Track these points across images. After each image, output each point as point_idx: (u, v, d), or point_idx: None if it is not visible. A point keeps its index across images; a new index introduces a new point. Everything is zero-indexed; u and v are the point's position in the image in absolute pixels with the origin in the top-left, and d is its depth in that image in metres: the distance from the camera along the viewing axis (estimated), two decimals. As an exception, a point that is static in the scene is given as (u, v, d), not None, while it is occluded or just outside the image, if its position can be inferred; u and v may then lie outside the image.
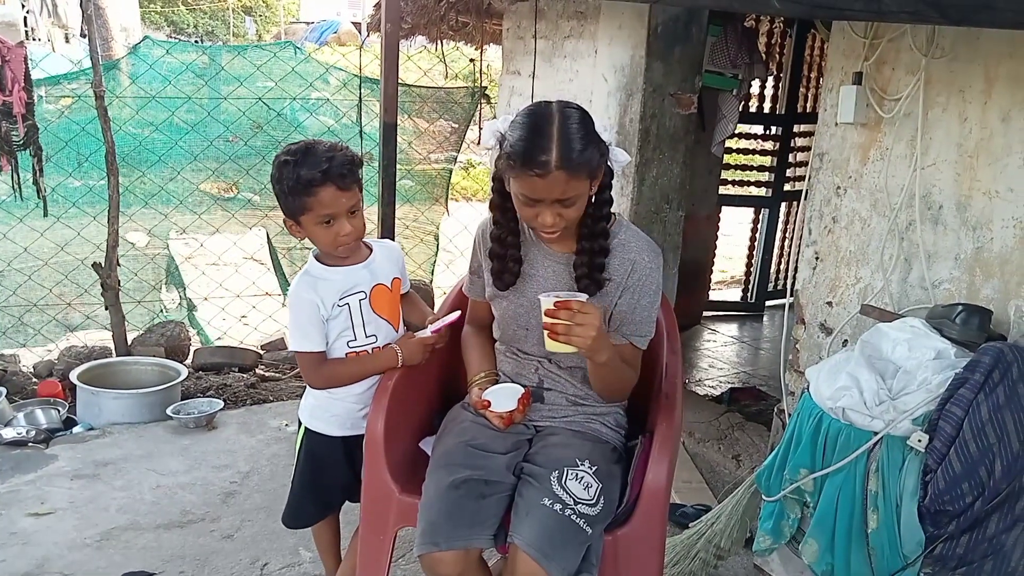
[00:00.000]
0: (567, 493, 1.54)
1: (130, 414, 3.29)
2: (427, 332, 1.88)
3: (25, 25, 14.87)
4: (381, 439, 1.74)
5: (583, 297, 1.54)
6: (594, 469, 1.61)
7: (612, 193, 1.69)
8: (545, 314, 1.50)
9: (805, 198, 2.64)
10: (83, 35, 12.91)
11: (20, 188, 4.09)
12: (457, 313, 1.89)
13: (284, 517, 2.02)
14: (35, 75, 4.12)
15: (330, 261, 1.84)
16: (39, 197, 4.11)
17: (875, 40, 2.33)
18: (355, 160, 1.76)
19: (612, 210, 1.72)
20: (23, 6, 15.09)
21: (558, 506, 1.51)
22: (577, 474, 1.58)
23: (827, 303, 2.55)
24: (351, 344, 1.84)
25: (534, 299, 1.68)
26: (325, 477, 1.95)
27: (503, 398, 1.74)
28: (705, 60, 3.45)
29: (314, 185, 1.69)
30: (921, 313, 2.12)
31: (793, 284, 2.72)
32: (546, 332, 1.51)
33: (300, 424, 1.96)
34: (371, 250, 1.90)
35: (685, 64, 3.30)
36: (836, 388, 1.94)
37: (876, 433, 1.83)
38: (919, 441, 1.76)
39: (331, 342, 1.84)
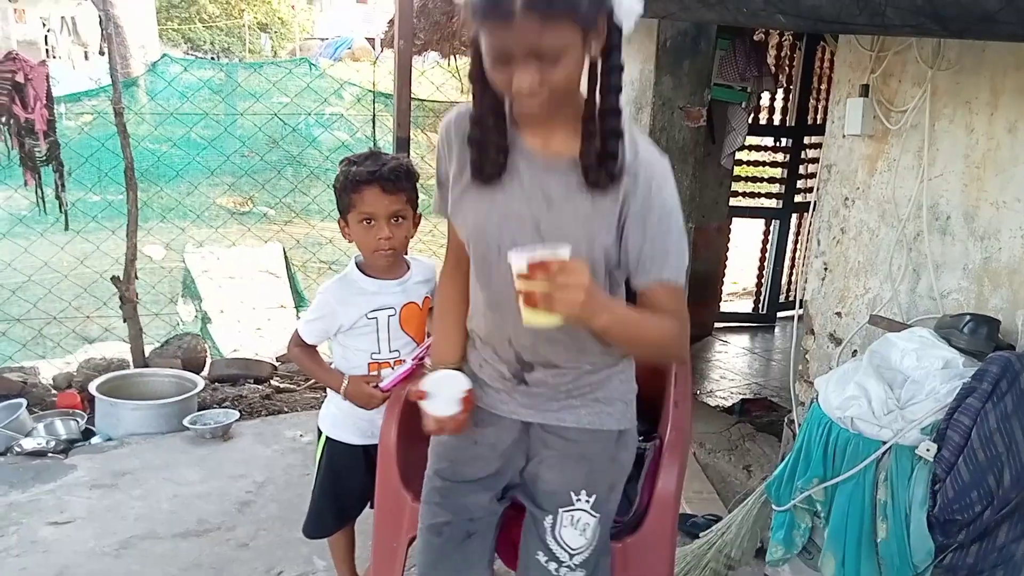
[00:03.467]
0: (561, 547, 1.46)
1: (148, 425, 3.33)
2: (384, 382, 1.85)
3: (46, 43, 15.15)
4: (394, 447, 1.77)
5: (564, 252, 1.18)
6: (592, 499, 1.47)
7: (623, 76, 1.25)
8: (517, 278, 1.18)
9: (814, 209, 2.67)
10: (102, 53, 13.13)
11: (43, 203, 4.18)
12: (410, 365, 1.86)
13: (305, 527, 2.05)
14: (56, 92, 4.21)
15: (369, 271, 1.88)
16: (60, 211, 4.19)
17: (881, 53, 2.35)
18: (408, 170, 1.82)
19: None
20: (44, 24, 15.38)
21: (553, 565, 1.46)
22: (572, 517, 1.46)
23: (836, 313, 2.56)
24: (374, 356, 1.88)
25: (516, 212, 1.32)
26: (345, 486, 1.98)
27: (444, 395, 1.43)
28: (714, 74, 3.48)
29: (360, 182, 1.77)
30: (930, 323, 2.13)
31: (800, 295, 2.73)
32: (521, 301, 1.18)
33: (320, 434, 1.99)
34: (409, 267, 1.93)
35: (694, 78, 3.34)
36: (845, 398, 1.95)
37: (885, 442, 1.84)
38: (927, 450, 1.77)
39: (353, 348, 1.88)
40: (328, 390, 1.97)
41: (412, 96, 3.62)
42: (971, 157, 2.14)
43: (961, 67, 2.15)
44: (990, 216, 2.10)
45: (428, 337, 1.94)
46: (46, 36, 15.31)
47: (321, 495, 2.01)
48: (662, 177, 1.28)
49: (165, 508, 2.74)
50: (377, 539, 1.83)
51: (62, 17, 15.38)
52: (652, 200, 1.26)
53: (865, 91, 2.39)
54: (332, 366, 1.94)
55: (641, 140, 1.30)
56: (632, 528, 1.66)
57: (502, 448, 1.52)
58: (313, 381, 4.02)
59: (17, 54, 4.24)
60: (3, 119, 4.07)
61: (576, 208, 1.29)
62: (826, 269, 2.61)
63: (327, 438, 1.97)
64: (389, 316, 1.87)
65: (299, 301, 5.06)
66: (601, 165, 1.25)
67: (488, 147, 1.31)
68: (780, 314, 5.25)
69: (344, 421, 1.94)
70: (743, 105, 3.86)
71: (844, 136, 2.49)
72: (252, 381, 4.17)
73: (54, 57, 14.36)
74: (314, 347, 1.95)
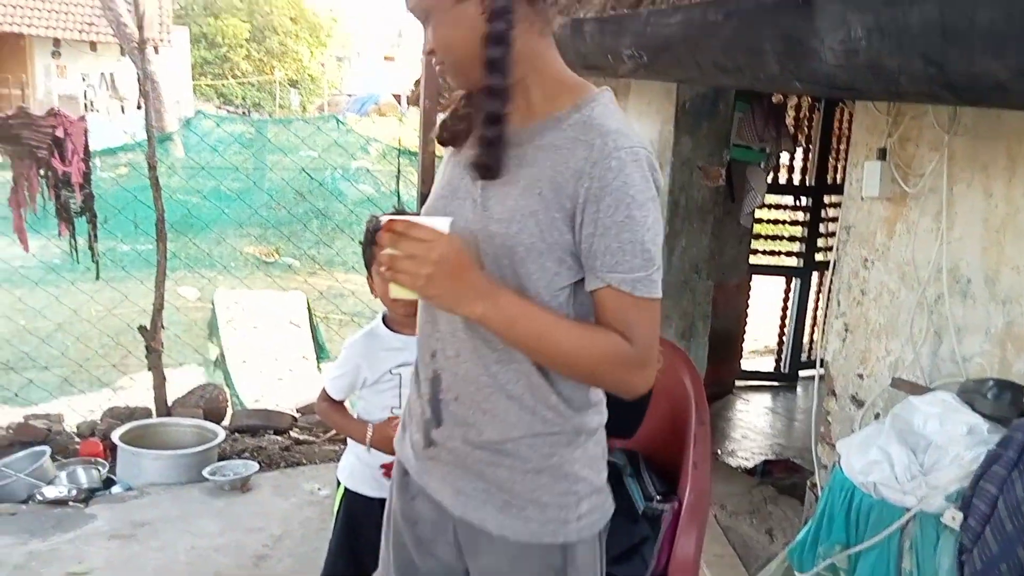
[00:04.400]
0: None
1: (168, 475, 3.35)
2: None
3: (85, 97, 15.71)
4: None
5: (442, 223, 1.05)
6: None
7: (514, 32, 1.08)
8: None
9: (833, 270, 2.67)
10: (139, 107, 13.59)
11: (76, 252, 4.30)
12: None
13: None
14: (93, 146, 4.36)
15: (395, 326, 1.91)
16: (92, 261, 4.30)
17: (898, 117, 2.39)
18: None
19: (564, 75, 1.15)
20: (84, 79, 15.97)
21: None
22: None
23: (858, 375, 2.55)
24: (394, 410, 1.90)
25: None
26: (362, 539, 1.97)
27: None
28: (733, 134, 3.54)
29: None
30: (952, 387, 2.11)
31: (822, 355, 2.72)
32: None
33: (339, 484, 2.00)
34: None
35: (712, 139, 3.40)
36: (867, 462, 1.93)
37: (908, 509, 1.81)
38: (953, 519, 1.74)
39: (375, 403, 1.90)
40: (348, 440, 1.98)
41: (435, 153, 3.72)
42: (990, 221, 2.15)
43: (978, 133, 2.18)
44: (1011, 280, 2.10)
45: None
46: (85, 91, 15.89)
47: (337, 548, 2.00)
48: (628, 159, 1.05)
49: (182, 560, 2.73)
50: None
51: (102, 73, 15.97)
52: (609, 182, 1.04)
53: (883, 154, 2.41)
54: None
55: (601, 119, 1.09)
56: (650, 593, 1.64)
57: (425, 535, 1.27)
58: (333, 433, 4.02)
59: (58, 111, 4.42)
60: (42, 172, 4.23)
61: (508, 188, 1.11)
62: (847, 330, 2.60)
63: (345, 489, 1.98)
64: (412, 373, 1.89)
65: (320, 352, 5.11)
66: (481, 155, 1.10)
67: (455, 115, 1.22)
68: (802, 373, 5.20)
69: (363, 472, 1.95)
70: (761, 165, 3.91)
71: (862, 198, 2.51)
72: (272, 432, 4.19)
73: (93, 111, 14.86)
74: (341, 402, 1.97)
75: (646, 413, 2.06)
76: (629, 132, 1.09)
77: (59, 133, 4.16)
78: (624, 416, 2.09)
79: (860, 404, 2.52)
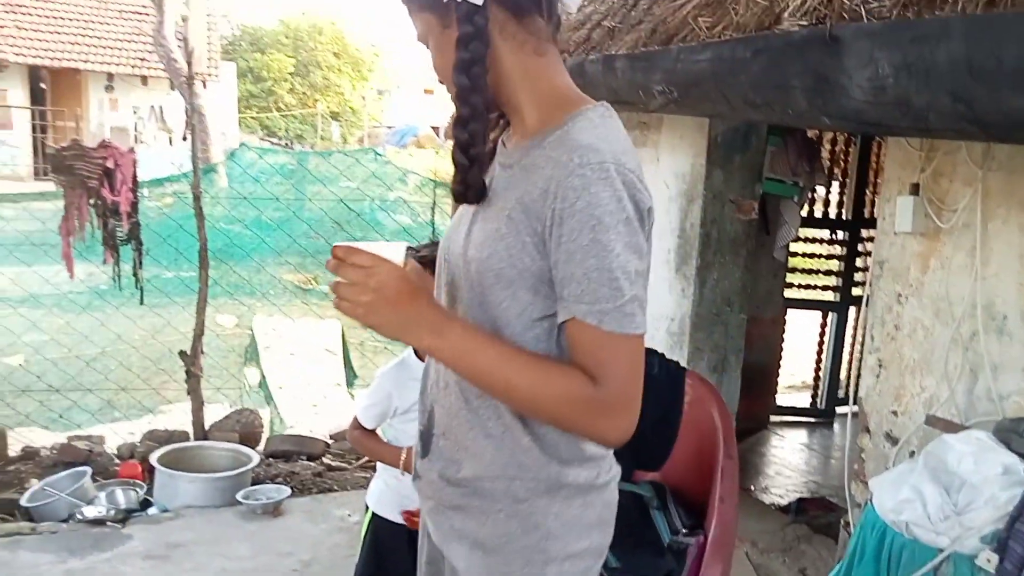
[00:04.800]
0: None
1: (203, 497, 3.42)
2: None
3: (135, 129, 16.27)
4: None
5: (395, 249, 1.03)
6: None
7: (492, 47, 1.05)
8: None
9: (867, 305, 2.65)
10: (185, 139, 14.03)
11: (120, 279, 4.45)
12: None
13: None
14: (141, 176, 4.53)
15: (425, 356, 1.94)
16: (136, 287, 4.44)
17: (931, 152, 2.38)
18: None
19: (558, 89, 1.10)
20: (135, 112, 16.55)
21: None
22: None
23: (892, 412, 2.51)
24: None
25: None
26: (388, 564, 1.99)
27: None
28: (765, 168, 3.54)
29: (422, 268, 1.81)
30: (988, 425, 2.07)
31: (857, 391, 2.69)
32: None
33: (367, 509, 2.03)
34: None
35: (745, 172, 3.40)
36: (899, 500, 1.90)
37: (941, 549, 1.78)
38: (988, 561, 1.71)
39: (404, 432, 1.93)
40: (378, 465, 2.01)
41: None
42: (1027, 257, 2.12)
43: (1012, 168, 2.16)
44: (1049, 317, 2.07)
45: None
46: (135, 123, 16.47)
47: (364, 571, 2.03)
48: (594, 176, 0.96)
49: (213, 583, 2.78)
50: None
51: (151, 106, 16.54)
52: (573, 202, 0.96)
53: (915, 189, 2.40)
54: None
55: (592, 132, 1.02)
56: (674, 628, 1.63)
57: (429, 569, 1.25)
58: (365, 460, 4.06)
59: (109, 142, 4.60)
60: (92, 201, 4.40)
61: (490, 211, 1.06)
62: (880, 366, 2.57)
63: (373, 514, 2.00)
64: None
65: (351, 377, 5.17)
66: (453, 176, 1.08)
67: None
68: (839, 409, 5.10)
69: (391, 498, 1.97)
70: (795, 199, 3.90)
71: (895, 233, 2.50)
72: (305, 458, 4.24)
73: (141, 142, 15.38)
74: (373, 431, 2.00)
75: (674, 446, 2.06)
76: (603, 147, 0.99)
77: (110, 164, 4.33)
78: (652, 448, 2.10)
79: (894, 441, 2.48)
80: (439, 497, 1.13)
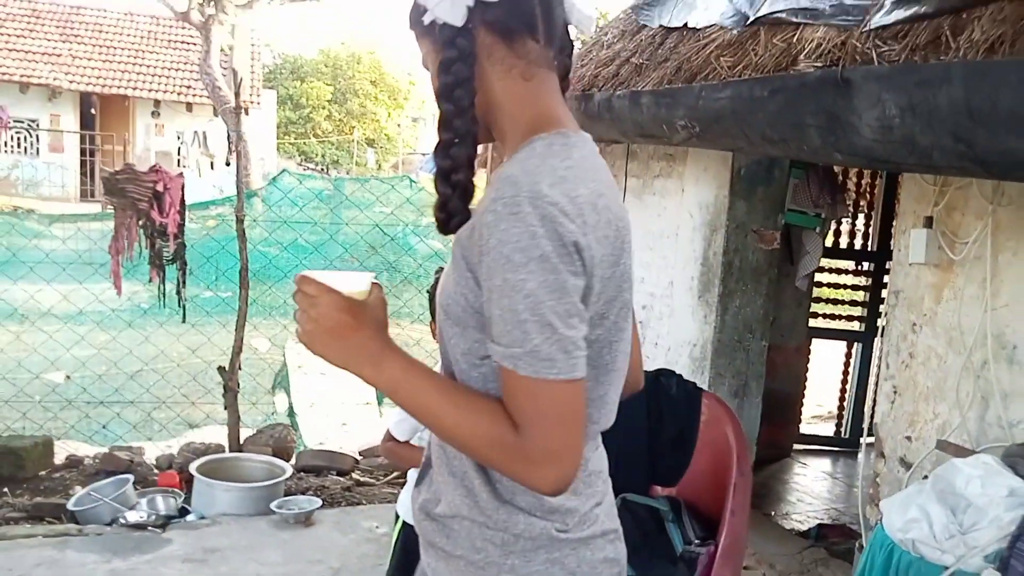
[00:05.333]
0: None
1: (238, 506, 3.56)
2: None
3: (178, 154, 16.82)
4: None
5: (360, 279, 1.02)
6: None
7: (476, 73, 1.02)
8: None
9: (882, 334, 2.73)
10: (228, 164, 14.48)
11: (164, 297, 4.66)
12: None
13: None
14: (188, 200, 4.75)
15: None
16: (179, 305, 4.65)
17: (944, 187, 2.47)
18: None
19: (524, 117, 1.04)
20: (178, 137, 17.12)
21: None
22: None
23: (906, 437, 2.57)
24: None
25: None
26: (416, 573, 2.09)
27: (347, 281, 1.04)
28: (788, 200, 3.64)
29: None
30: (998, 451, 2.14)
31: (872, 417, 2.75)
32: None
33: (397, 518, 2.14)
34: None
35: (767, 203, 3.51)
36: (906, 520, 1.97)
37: (947, 567, 1.84)
38: (990, 578, 1.77)
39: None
40: (408, 475, 2.13)
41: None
42: (1036, 289, 2.20)
43: (1022, 203, 2.25)
44: (1057, 347, 2.13)
45: None
46: (179, 148, 17.03)
47: None
48: (505, 212, 0.91)
49: (248, 586, 2.91)
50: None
51: (195, 131, 17.10)
52: (486, 240, 0.92)
53: (929, 222, 2.49)
54: None
55: (524, 161, 0.97)
56: (685, 632, 1.72)
57: None
58: (392, 476, 4.19)
59: (159, 167, 4.85)
60: (141, 222, 4.63)
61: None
62: (896, 392, 2.64)
63: (403, 523, 2.11)
64: None
65: (381, 396, 5.31)
66: (435, 204, 1.04)
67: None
68: (864, 439, 5.12)
69: None
70: (817, 230, 3.99)
71: (910, 264, 2.58)
72: (335, 473, 4.38)
73: (184, 166, 15.90)
74: (406, 443, 2.12)
75: (689, 463, 2.16)
76: (522, 179, 0.93)
77: (159, 187, 4.56)
78: (668, 465, 2.20)
79: (908, 466, 2.54)
80: (420, 529, 1.11)
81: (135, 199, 4.58)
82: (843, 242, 5.15)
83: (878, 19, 2.06)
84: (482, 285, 0.94)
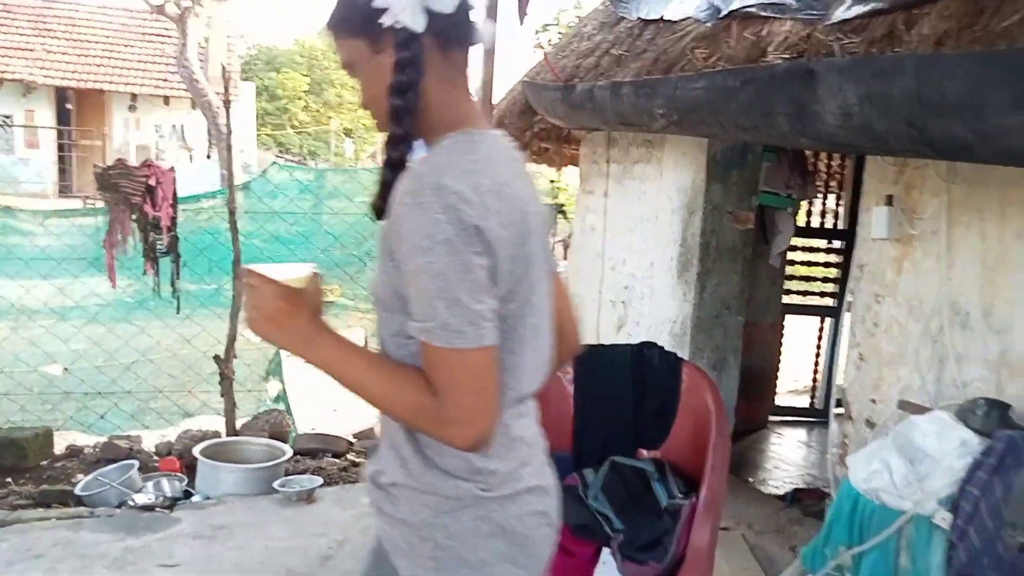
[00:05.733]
0: None
1: (242, 486, 3.70)
2: None
3: (156, 148, 16.73)
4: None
5: (302, 269, 1.14)
6: None
7: (430, 82, 1.12)
8: None
9: (850, 308, 2.92)
10: (208, 157, 14.47)
11: (159, 289, 4.76)
12: None
13: None
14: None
15: None
16: (173, 297, 4.75)
17: (903, 167, 2.66)
18: None
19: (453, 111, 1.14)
20: (156, 130, 17.02)
21: None
22: None
23: (871, 400, 2.78)
24: None
25: None
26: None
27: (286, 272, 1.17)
28: (761, 182, 3.83)
29: None
30: (953, 408, 2.34)
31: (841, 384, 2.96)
32: None
33: None
34: None
35: (742, 186, 3.70)
36: (870, 472, 2.17)
37: (904, 512, 2.04)
38: (943, 519, 1.97)
39: None
40: None
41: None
42: (986, 260, 2.40)
43: (973, 181, 2.44)
44: (1005, 313, 2.33)
45: None
46: (157, 142, 16.94)
47: None
48: (412, 203, 1.03)
49: (257, 559, 3.06)
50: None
51: (173, 124, 17.02)
52: (399, 230, 1.05)
53: (890, 200, 2.68)
54: None
55: (432, 157, 1.10)
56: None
57: None
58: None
59: (152, 162, 4.94)
60: (134, 216, 4.72)
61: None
62: (861, 359, 2.84)
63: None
64: None
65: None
66: (374, 195, 1.15)
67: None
68: (836, 410, 5.35)
69: None
70: (789, 210, 4.18)
71: (873, 239, 2.78)
72: (331, 455, 4.53)
73: (161, 160, 15.82)
74: None
75: (672, 427, 2.34)
76: (425, 172, 1.06)
77: (152, 182, 4.65)
78: (652, 429, 2.38)
79: (873, 426, 2.75)
80: (371, 497, 1.21)
81: (128, 194, 4.66)
82: (815, 221, 5.37)
83: (839, 13, 2.24)
84: (401, 270, 1.05)
